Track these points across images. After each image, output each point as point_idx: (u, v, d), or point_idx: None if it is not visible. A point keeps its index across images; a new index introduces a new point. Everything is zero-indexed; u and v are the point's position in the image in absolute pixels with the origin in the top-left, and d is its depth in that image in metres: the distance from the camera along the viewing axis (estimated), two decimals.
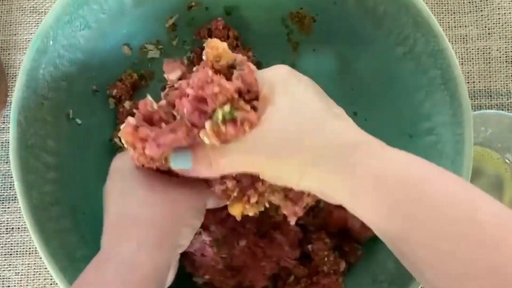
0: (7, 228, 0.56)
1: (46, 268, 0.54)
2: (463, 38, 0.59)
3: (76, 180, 0.48)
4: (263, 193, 0.39)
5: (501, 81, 0.58)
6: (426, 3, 0.56)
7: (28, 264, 0.55)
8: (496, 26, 0.58)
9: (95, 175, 0.50)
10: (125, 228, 0.37)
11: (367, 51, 0.50)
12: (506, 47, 0.58)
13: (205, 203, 0.40)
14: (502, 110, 0.57)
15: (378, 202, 0.33)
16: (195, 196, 0.40)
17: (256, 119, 0.36)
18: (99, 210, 0.49)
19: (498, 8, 0.59)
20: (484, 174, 0.55)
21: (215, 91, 0.35)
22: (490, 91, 0.58)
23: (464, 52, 0.58)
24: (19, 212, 0.56)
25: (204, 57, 0.38)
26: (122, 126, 0.37)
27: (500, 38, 0.58)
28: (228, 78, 0.37)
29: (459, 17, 0.59)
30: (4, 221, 0.56)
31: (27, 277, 0.55)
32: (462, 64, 0.58)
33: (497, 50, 0.58)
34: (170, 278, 0.40)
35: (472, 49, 0.58)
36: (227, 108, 0.35)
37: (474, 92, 0.58)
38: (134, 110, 0.38)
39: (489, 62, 0.58)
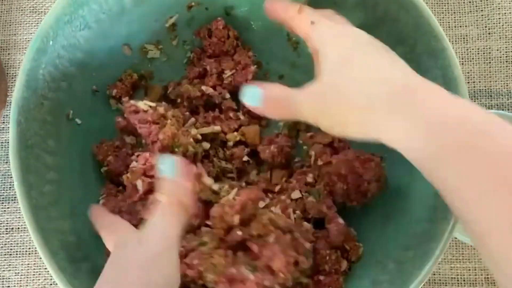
0: (7, 228, 0.56)
1: (46, 268, 0.54)
2: (463, 38, 0.59)
3: (76, 180, 0.48)
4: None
5: (501, 81, 0.58)
6: (426, 3, 0.56)
7: (28, 264, 0.55)
8: (496, 26, 0.58)
9: (94, 175, 0.51)
10: None
11: None
12: (506, 47, 0.58)
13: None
14: (502, 110, 0.57)
15: (430, 141, 0.32)
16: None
17: None
18: None
19: (498, 8, 0.59)
20: None
21: None
22: (490, 91, 0.58)
23: (464, 52, 0.58)
24: (19, 212, 0.56)
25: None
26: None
27: (500, 38, 0.58)
28: None
29: (459, 17, 0.59)
30: (4, 221, 0.56)
31: (27, 277, 0.55)
32: (462, 64, 0.58)
33: (497, 50, 0.58)
34: None
35: (472, 49, 0.58)
36: None
37: (474, 92, 0.58)
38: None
39: (489, 62, 0.58)
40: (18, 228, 0.56)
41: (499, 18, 0.58)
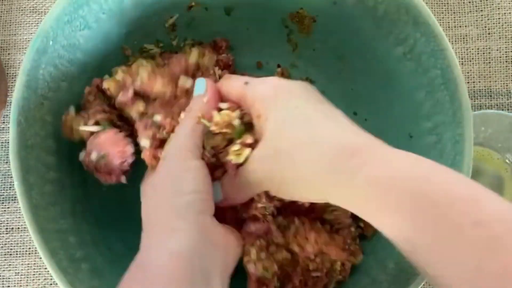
0: (7, 228, 0.56)
1: (46, 268, 0.54)
2: (463, 38, 0.59)
3: (76, 180, 0.48)
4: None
5: (501, 81, 0.58)
6: (426, 3, 0.56)
7: (28, 264, 0.55)
8: (496, 26, 0.58)
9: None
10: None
11: (367, 51, 0.50)
12: (506, 47, 0.58)
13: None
14: (502, 110, 0.57)
15: (382, 206, 0.32)
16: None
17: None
18: (99, 210, 0.49)
19: (498, 8, 0.59)
20: (484, 174, 0.55)
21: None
22: (490, 91, 0.58)
23: (464, 52, 0.58)
24: (19, 212, 0.56)
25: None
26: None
27: (500, 38, 0.58)
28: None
29: (459, 17, 0.59)
30: (4, 221, 0.56)
31: (27, 277, 0.55)
32: (462, 64, 0.58)
33: (497, 50, 0.58)
34: None
35: (472, 49, 0.58)
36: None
37: (474, 92, 0.58)
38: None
39: (489, 62, 0.58)
40: (18, 228, 0.56)
41: (499, 18, 0.58)
